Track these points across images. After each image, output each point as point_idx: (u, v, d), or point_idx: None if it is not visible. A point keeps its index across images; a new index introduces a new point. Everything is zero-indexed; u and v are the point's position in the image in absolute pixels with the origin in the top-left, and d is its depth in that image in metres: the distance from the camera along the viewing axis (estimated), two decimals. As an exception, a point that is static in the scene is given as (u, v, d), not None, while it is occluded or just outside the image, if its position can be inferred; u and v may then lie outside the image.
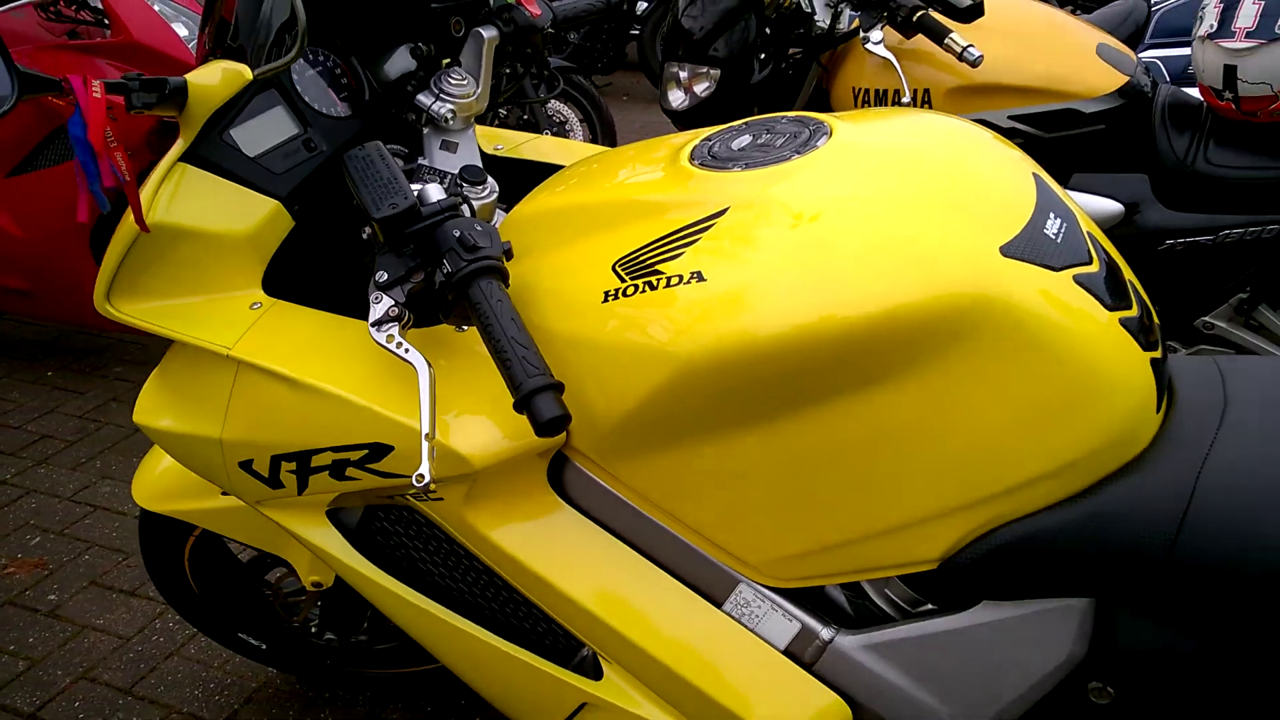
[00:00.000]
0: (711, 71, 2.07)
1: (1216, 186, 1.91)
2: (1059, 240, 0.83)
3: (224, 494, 1.31)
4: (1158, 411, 0.84)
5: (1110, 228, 1.99)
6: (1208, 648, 0.81)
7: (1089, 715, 0.89)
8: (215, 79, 0.95)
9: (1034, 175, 0.89)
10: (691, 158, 0.94)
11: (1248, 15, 1.81)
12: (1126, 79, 1.97)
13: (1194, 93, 2.04)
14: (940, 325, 0.77)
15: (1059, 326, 0.79)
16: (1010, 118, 1.96)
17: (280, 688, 1.74)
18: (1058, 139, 1.96)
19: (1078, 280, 0.81)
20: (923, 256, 0.78)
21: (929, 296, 0.76)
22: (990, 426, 0.80)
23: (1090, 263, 0.83)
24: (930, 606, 0.92)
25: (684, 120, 2.18)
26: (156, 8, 2.42)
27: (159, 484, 1.38)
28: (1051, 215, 0.85)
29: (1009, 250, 0.80)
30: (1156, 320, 0.92)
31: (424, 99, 1.07)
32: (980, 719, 0.89)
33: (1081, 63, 1.97)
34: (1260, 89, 1.82)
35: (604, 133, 4.16)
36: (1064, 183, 2.03)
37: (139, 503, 1.40)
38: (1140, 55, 3.08)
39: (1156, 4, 3.44)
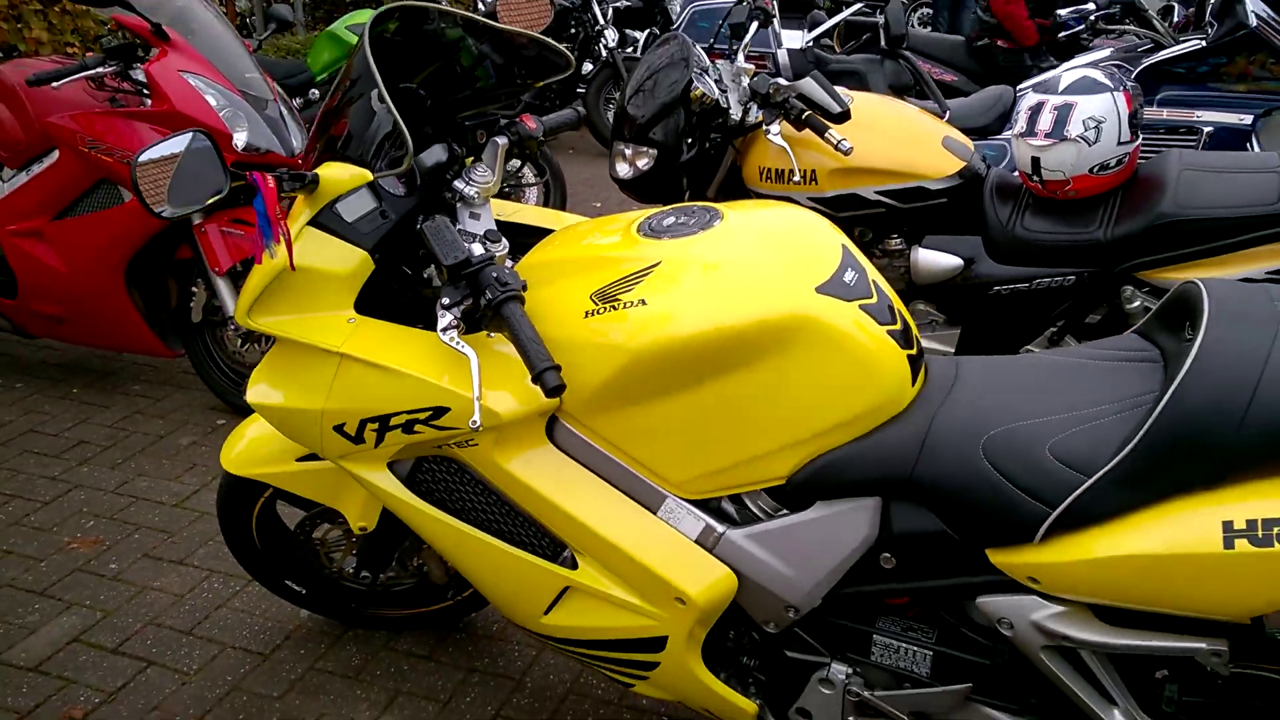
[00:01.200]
0: (650, 150, 2.63)
1: (1031, 247, 2.52)
2: (852, 285, 1.39)
3: (299, 460, 1.81)
4: (913, 385, 1.41)
5: (952, 277, 2.59)
6: (948, 527, 1.37)
7: (881, 577, 1.44)
8: (344, 176, 1.48)
9: (842, 245, 1.46)
10: (637, 230, 1.50)
11: (1046, 120, 2.44)
12: (964, 164, 2.59)
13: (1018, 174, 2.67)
14: (780, 332, 1.32)
15: (849, 335, 1.35)
16: (876, 192, 2.56)
17: (312, 629, 2.22)
18: (912, 209, 2.57)
19: (862, 308, 1.37)
20: (771, 291, 1.34)
21: (774, 315, 1.32)
22: (810, 393, 1.35)
23: (871, 297, 1.40)
24: (784, 510, 1.47)
25: (628, 187, 2.74)
26: (191, 81, 2.92)
27: (244, 454, 1.87)
28: (850, 269, 1.42)
29: (821, 289, 1.36)
30: (915, 331, 1.48)
31: (459, 185, 1.60)
32: (815, 580, 1.44)
33: (930, 151, 2.58)
34: (1057, 175, 2.45)
35: (556, 185, 4.71)
36: (918, 242, 2.63)
37: (227, 469, 1.89)
38: (1006, 134, 3.74)
39: (1023, 88, 4.10)
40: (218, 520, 2.03)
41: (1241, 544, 1.14)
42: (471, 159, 1.66)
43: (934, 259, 2.59)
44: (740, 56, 2.70)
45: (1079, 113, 2.39)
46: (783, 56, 3.88)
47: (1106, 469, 1.22)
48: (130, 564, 2.43)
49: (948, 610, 1.45)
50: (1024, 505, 1.27)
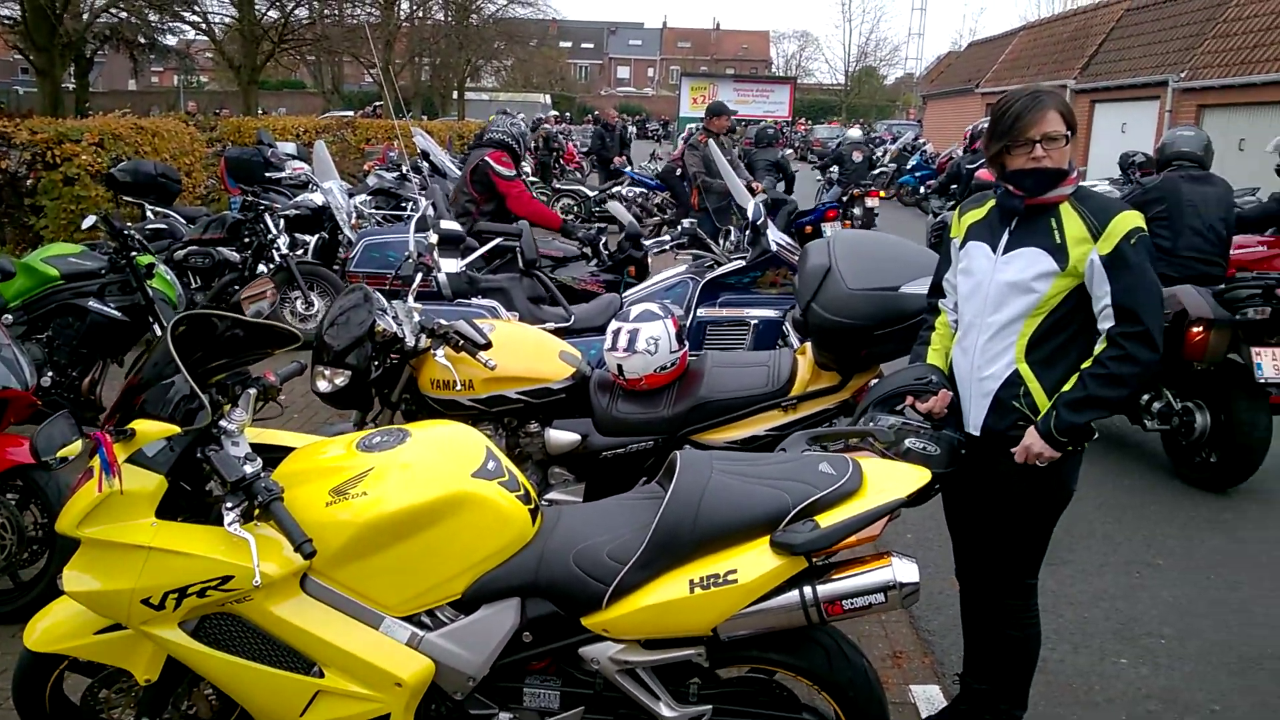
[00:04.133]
0: (345, 371, 3.48)
1: (623, 424, 3.63)
2: (492, 469, 2.33)
3: (97, 632, 2.42)
4: (533, 526, 2.36)
5: (575, 448, 3.63)
6: (558, 608, 2.29)
7: (524, 648, 2.33)
8: (154, 429, 2.22)
9: (485, 446, 2.41)
10: (356, 446, 2.36)
11: (623, 340, 3.60)
12: (575, 369, 3.68)
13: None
14: (450, 504, 2.23)
15: (492, 502, 2.27)
16: (516, 393, 3.57)
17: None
18: (542, 404, 3.61)
19: (499, 484, 2.31)
20: (443, 479, 2.25)
21: (446, 494, 2.23)
22: (472, 539, 2.26)
23: (505, 476, 2.35)
24: (461, 615, 2.33)
25: (328, 399, 3.55)
26: None
27: (46, 633, 2.44)
28: (491, 460, 2.36)
29: (474, 474, 2.29)
30: (533, 491, 2.45)
31: (224, 423, 2.36)
32: (484, 658, 2.30)
33: (550, 361, 3.65)
34: (634, 374, 3.60)
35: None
36: (549, 425, 3.66)
37: (31, 647, 2.44)
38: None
39: (627, 295, 5.38)
40: (13, 700, 2.53)
41: (697, 590, 2.17)
42: (229, 405, 2.45)
43: (560, 436, 3.63)
44: (410, 298, 3.65)
45: (643, 334, 3.57)
46: (443, 279, 4.87)
47: (633, 560, 2.22)
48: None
49: (566, 662, 2.38)
50: (595, 587, 2.24)
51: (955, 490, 2.80)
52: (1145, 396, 5.39)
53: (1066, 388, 2.55)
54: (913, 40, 64.54)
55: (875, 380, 3.68)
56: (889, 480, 2.27)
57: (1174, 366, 5.12)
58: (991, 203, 2.72)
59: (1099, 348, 2.54)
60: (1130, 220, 2.50)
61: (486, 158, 6.25)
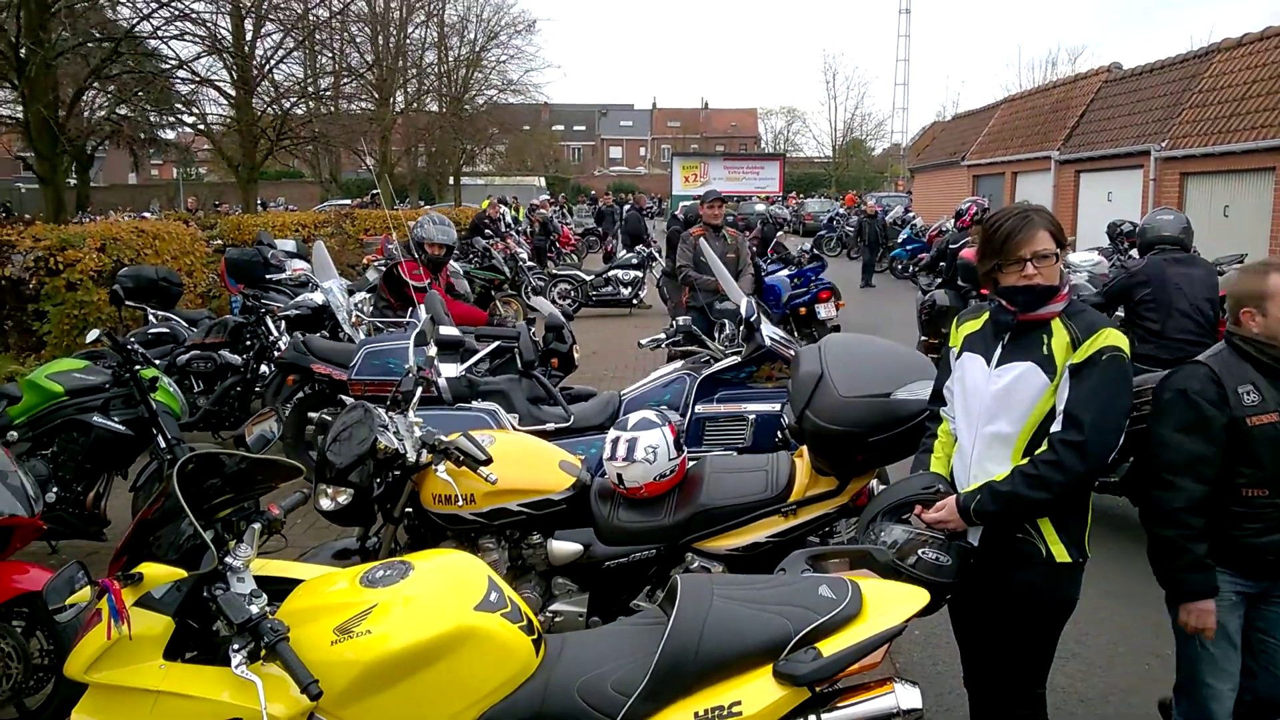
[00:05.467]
0: (348, 489, 3.51)
1: (624, 533, 3.65)
2: (495, 601, 2.36)
3: None
4: (537, 657, 2.37)
5: (578, 558, 3.65)
6: None
7: None
8: (161, 573, 2.25)
9: (488, 576, 2.44)
10: (360, 581, 2.38)
11: (622, 449, 3.64)
12: (575, 479, 3.71)
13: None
14: (454, 639, 2.25)
15: (496, 634, 2.29)
16: (518, 505, 3.60)
17: None
18: (543, 515, 3.64)
19: (503, 615, 2.34)
20: (446, 614, 2.27)
21: (449, 629, 2.25)
22: (477, 672, 2.27)
23: (507, 607, 2.37)
24: None
25: (331, 517, 3.58)
26: None
27: None
28: (493, 591, 2.38)
29: (477, 608, 2.31)
30: (535, 620, 2.46)
31: (229, 559, 2.39)
32: None
33: (550, 472, 3.69)
34: (634, 483, 3.63)
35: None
36: (551, 536, 3.68)
37: None
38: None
39: (625, 393, 5.42)
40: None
41: None
42: (234, 541, 2.48)
43: (563, 547, 3.65)
44: (410, 413, 3.70)
45: (642, 443, 3.62)
46: (443, 384, 4.94)
47: (638, 693, 2.23)
48: None
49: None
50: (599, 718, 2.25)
51: (959, 600, 2.82)
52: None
53: (999, 477, 2.61)
54: (897, 114, 65.75)
55: (877, 484, 3.72)
56: (889, 603, 2.29)
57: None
58: (987, 315, 2.79)
59: (1040, 449, 2.59)
60: (1110, 337, 2.56)
61: (400, 267, 6.55)
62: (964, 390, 2.78)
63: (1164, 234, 5.73)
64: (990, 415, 2.69)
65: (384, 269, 6.81)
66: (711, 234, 8.62)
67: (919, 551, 2.64)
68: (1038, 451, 2.58)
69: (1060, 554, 2.64)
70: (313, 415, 6.64)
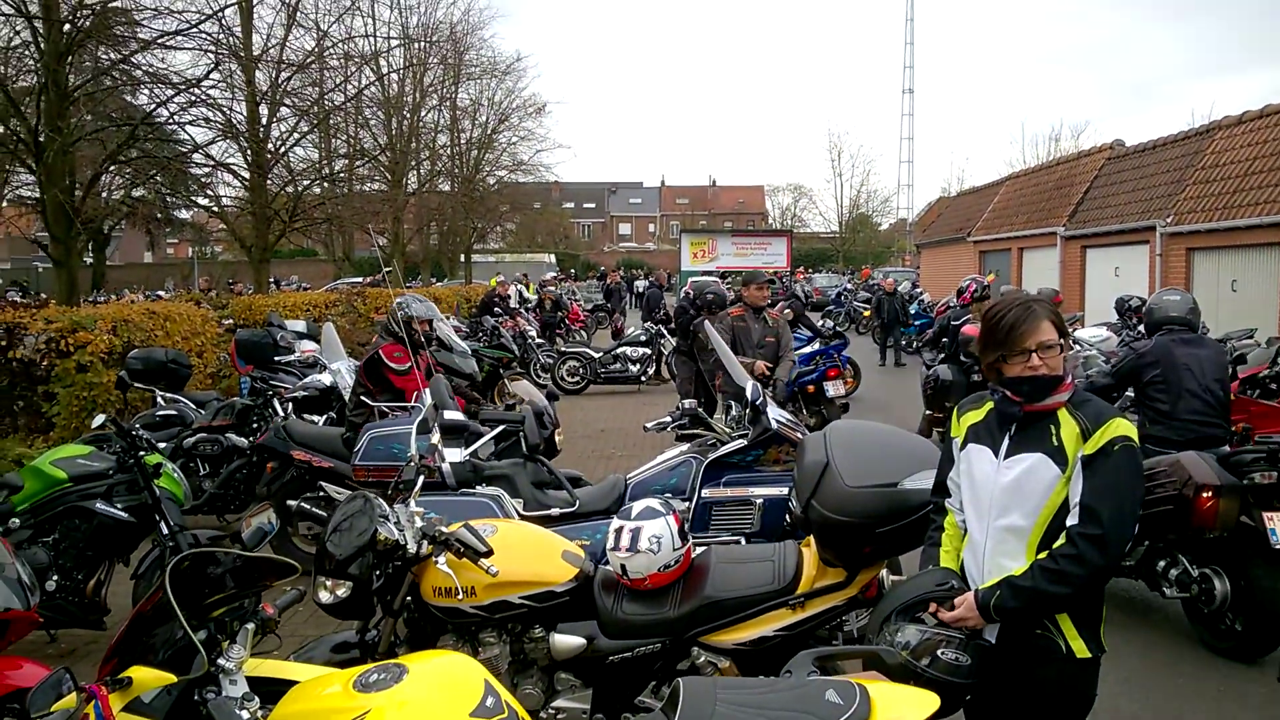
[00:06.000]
0: (347, 583, 3.45)
1: (629, 625, 3.57)
2: (491, 707, 2.29)
3: None
4: None
5: (582, 652, 3.56)
6: None
7: None
8: (150, 677, 2.20)
9: (484, 679, 2.37)
10: (354, 686, 2.32)
11: (625, 539, 3.58)
12: (579, 570, 3.65)
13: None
14: None
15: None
16: (519, 598, 3.53)
17: None
18: (545, 607, 3.56)
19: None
20: (443, 718, 2.21)
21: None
22: None
23: (504, 712, 2.30)
24: None
25: (330, 610, 3.51)
26: None
27: None
28: (490, 696, 2.32)
29: (473, 713, 2.24)
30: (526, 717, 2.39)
31: (222, 661, 2.34)
32: None
33: (553, 564, 3.62)
34: (638, 574, 3.57)
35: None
36: (553, 629, 3.60)
37: None
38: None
39: (630, 476, 5.37)
40: None
41: None
42: (227, 642, 2.43)
43: (566, 640, 3.57)
44: (412, 503, 3.66)
45: (645, 533, 3.56)
46: (447, 469, 4.91)
47: None
48: None
49: None
50: None
51: (975, 699, 2.73)
52: (1161, 563, 5.31)
53: (1018, 572, 2.56)
54: (903, 190, 66.61)
55: (887, 575, 3.64)
56: (898, 707, 2.22)
57: (1186, 533, 5.06)
58: (990, 405, 2.76)
59: (1058, 543, 2.55)
60: (1120, 427, 2.54)
61: (380, 352, 6.52)
62: (972, 483, 2.74)
63: (1171, 314, 5.72)
64: (1002, 508, 2.64)
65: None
66: (753, 315, 8.07)
67: (937, 651, 2.56)
68: (1056, 545, 2.54)
69: (1080, 649, 2.58)
70: (291, 504, 6.54)
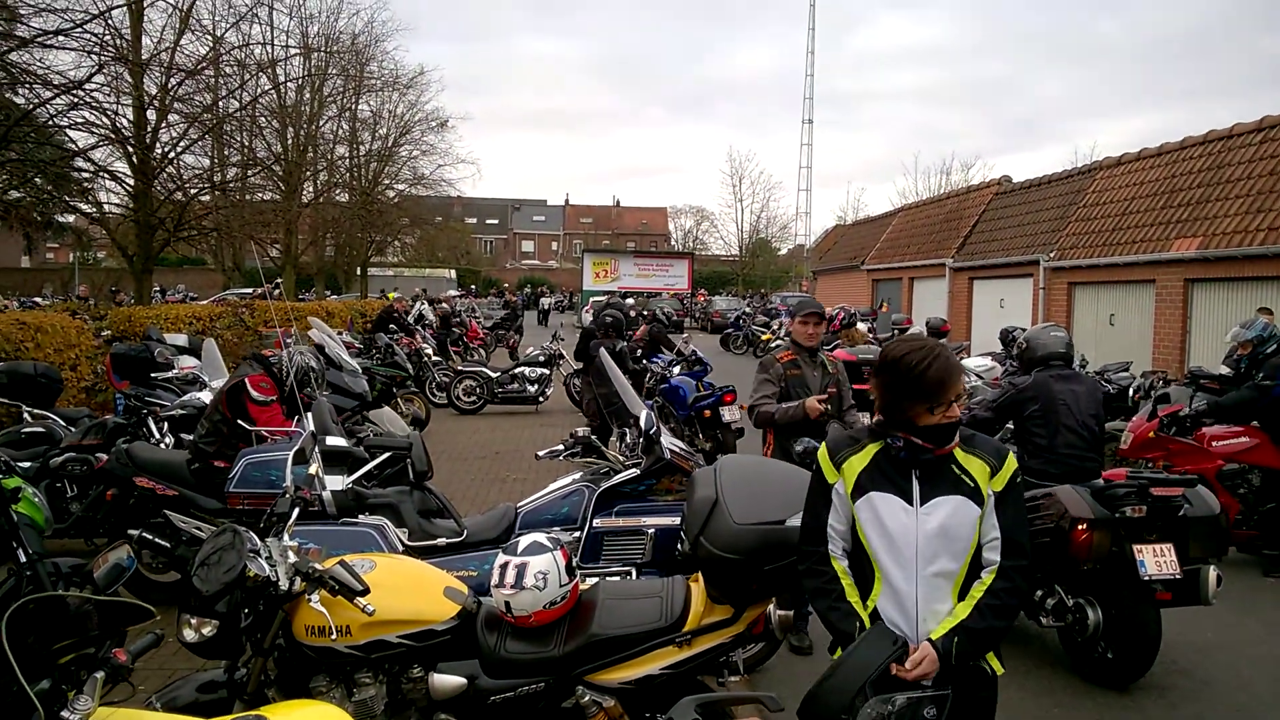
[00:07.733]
0: (214, 620, 3.26)
1: (512, 664, 3.47)
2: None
3: None
4: None
5: (463, 692, 3.44)
6: None
7: None
8: None
9: None
10: None
11: (510, 575, 3.48)
12: (461, 606, 3.53)
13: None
14: None
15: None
16: (398, 637, 3.39)
17: None
18: (424, 646, 3.43)
19: None
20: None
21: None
22: None
23: None
24: None
25: (195, 650, 3.32)
26: None
27: None
28: None
29: None
30: None
31: (66, 714, 2.16)
32: None
33: (434, 600, 3.50)
34: (522, 612, 3.47)
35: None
36: (433, 669, 3.46)
37: None
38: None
39: (520, 506, 5.27)
40: None
41: None
42: (73, 692, 2.26)
43: (446, 681, 3.44)
44: (285, 537, 3.49)
45: (531, 569, 3.47)
46: (328, 497, 4.73)
47: None
48: None
49: None
50: None
51: None
52: (1039, 593, 5.46)
53: (961, 614, 2.68)
54: (801, 217, 67.90)
55: (774, 610, 3.59)
56: None
57: (1062, 565, 5.22)
58: (873, 448, 2.77)
59: (989, 578, 2.70)
60: (1014, 461, 2.76)
61: (245, 381, 6.23)
62: (885, 532, 2.72)
63: (1052, 350, 5.91)
64: (931, 555, 2.69)
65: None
66: (807, 359, 5.89)
67: (923, 711, 2.58)
68: (991, 582, 2.69)
69: (998, 668, 2.82)
70: (131, 532, 6.03)
